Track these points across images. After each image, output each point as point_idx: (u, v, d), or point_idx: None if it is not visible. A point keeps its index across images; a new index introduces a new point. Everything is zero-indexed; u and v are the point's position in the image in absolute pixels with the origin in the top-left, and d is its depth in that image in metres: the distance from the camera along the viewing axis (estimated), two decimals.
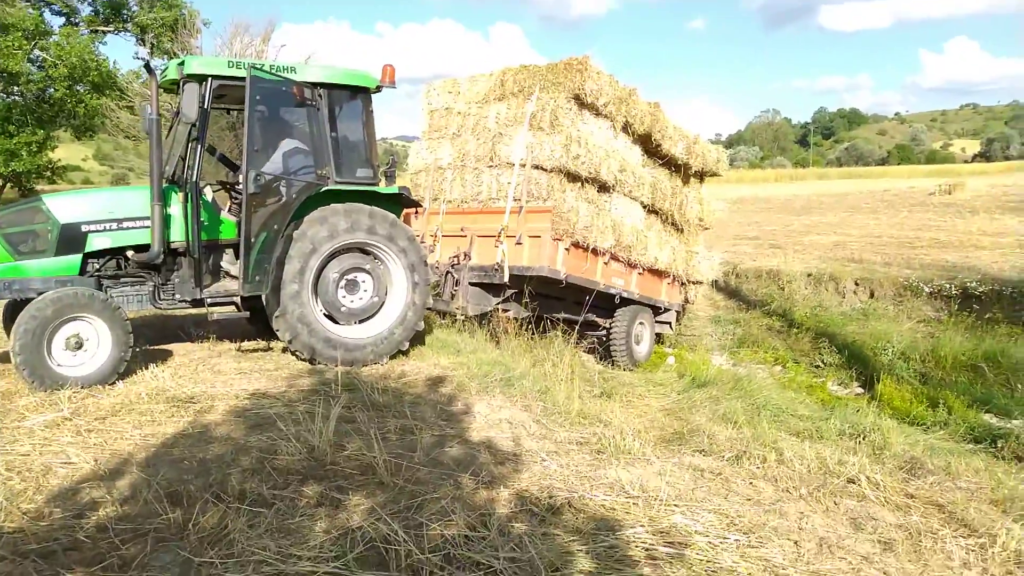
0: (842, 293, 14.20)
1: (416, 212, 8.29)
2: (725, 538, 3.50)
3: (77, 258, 6.24)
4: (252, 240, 6.46)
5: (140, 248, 6.46)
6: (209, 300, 6.64)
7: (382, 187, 7.16)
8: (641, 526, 3.60)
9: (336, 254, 6.84)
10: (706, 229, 12.72)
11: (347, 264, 6.90)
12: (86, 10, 28.05)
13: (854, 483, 4.45)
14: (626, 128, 10.36)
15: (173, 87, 6.90)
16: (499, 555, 3.33)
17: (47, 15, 26.38)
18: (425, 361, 7.37)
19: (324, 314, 6.89)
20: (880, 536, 3.74)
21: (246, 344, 7.74)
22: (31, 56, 27.32)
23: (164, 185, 6.39)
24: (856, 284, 14.20)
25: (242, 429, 5.04)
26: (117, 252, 6.50)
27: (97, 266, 6.48)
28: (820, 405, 8.80)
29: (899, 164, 78.57)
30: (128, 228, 6.37)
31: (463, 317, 9.68)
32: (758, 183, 45.20)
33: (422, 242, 10.38)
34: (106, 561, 3.42)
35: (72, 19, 27.45)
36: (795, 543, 3.52)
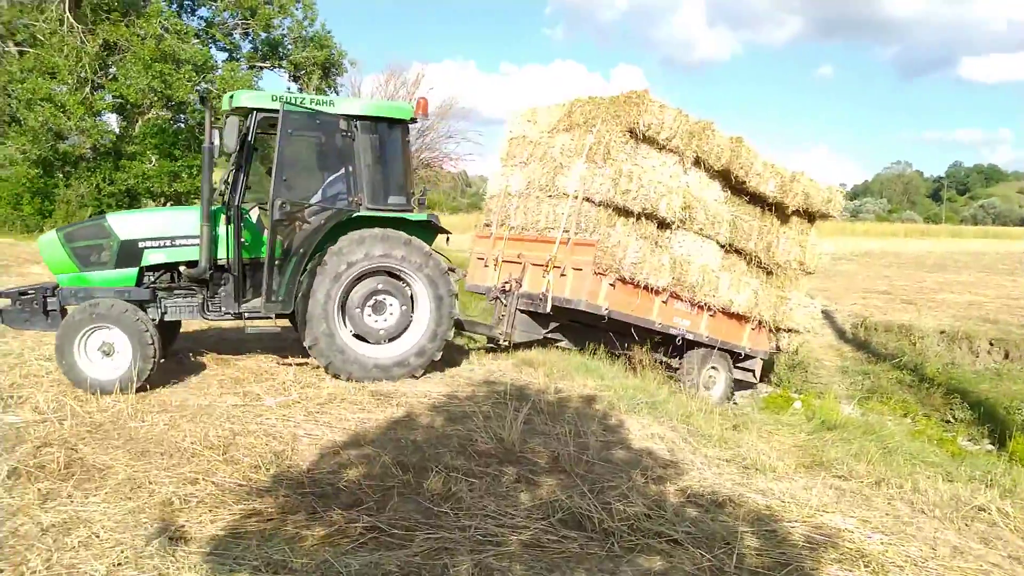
0: (976, 352, 14.05)
1: (447, 239, 8.80)
2: (869, 536, 4.14)
3: (134, 271, 6.88)
4: (275, 262, 6.98)
5: (191, 264, 7.05)
6: (247, 314, 7.16)
7: (413, 214, 7.49)
8: (796, 521, 4.30)
9: (364, 276, 7.23)
10: (808, 274, 11.82)
11: (373, 285, 7.27)
12: (247, 47, 30.77)
13: (984, 511, 4.94)
14: (700, 163, 10.08)
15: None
16: (677, 529, 4.11)
17: (213, 50, 29.20)
18: (574, 382, 8.20)
19: (352, 334, 7.27)
20: (1009, 553, 4.27)
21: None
22: (197, 88, 30.49)
23: (214, 206, 6.96)
24: (991, 344, 14.01)
25: (440, 421, 6.04)
26: (171, 266, 7.12)
27: (152, 279, 7.09)
28: (950, 456, 9.00)
29: None
30: (180, 245, 6.98)
31: (507, 343, 9.76)
32: (886, 237, 43.74)
33: (485, 265, 11.06)
34: (364, 505, 4.43)
35: (234, 55, 30.13)
36: (931, 547, 4.12)
